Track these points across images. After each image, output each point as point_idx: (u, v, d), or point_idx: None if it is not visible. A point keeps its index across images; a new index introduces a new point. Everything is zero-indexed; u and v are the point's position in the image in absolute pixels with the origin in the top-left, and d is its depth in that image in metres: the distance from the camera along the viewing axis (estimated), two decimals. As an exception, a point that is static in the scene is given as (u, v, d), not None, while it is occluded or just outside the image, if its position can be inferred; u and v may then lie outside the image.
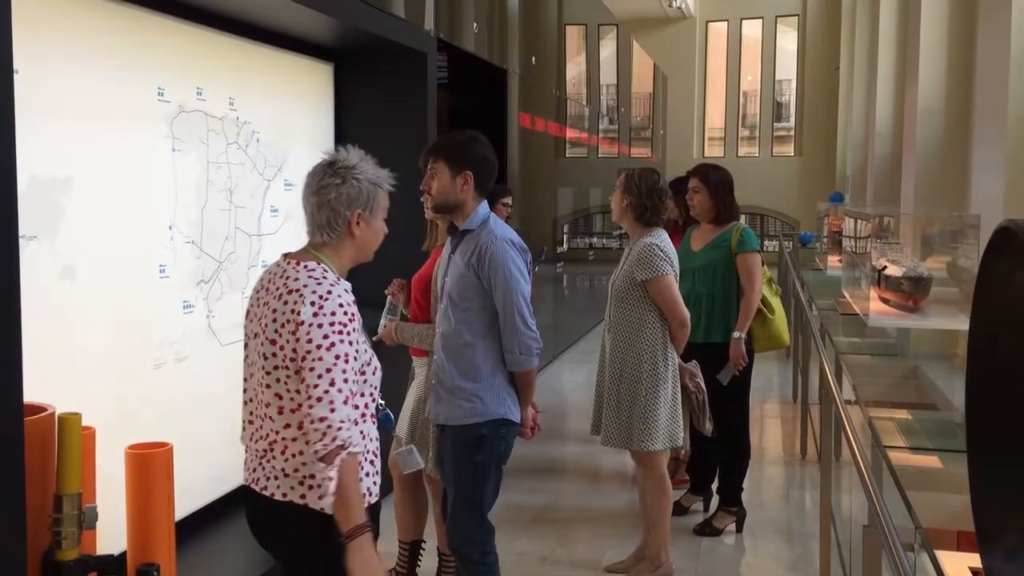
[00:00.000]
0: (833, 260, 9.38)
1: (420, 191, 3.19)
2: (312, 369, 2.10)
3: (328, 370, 2.10)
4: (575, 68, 10.92)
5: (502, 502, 4.75)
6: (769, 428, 6.89)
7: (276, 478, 2.20)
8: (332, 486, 2.08)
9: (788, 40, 19.78)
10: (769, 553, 4.47)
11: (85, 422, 2.76)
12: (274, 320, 2.17)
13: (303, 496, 2.18)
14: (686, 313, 3.91)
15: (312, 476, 2.16)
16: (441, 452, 3.25)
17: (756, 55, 19.94)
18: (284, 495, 2.19)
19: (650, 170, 4.05)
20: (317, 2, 4.14)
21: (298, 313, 2.13)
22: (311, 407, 2.10)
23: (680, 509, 4.74)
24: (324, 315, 2.12)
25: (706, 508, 4.84)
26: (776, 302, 4.66)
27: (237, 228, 4.40)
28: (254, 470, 2.27)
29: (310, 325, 2.11)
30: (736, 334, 4.42)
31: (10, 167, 2.47)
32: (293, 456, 2.18)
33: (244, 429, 2.34)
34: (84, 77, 3.45)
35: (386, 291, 3.86)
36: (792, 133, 20.03)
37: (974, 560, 2.40)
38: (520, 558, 4.30)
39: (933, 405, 4.84)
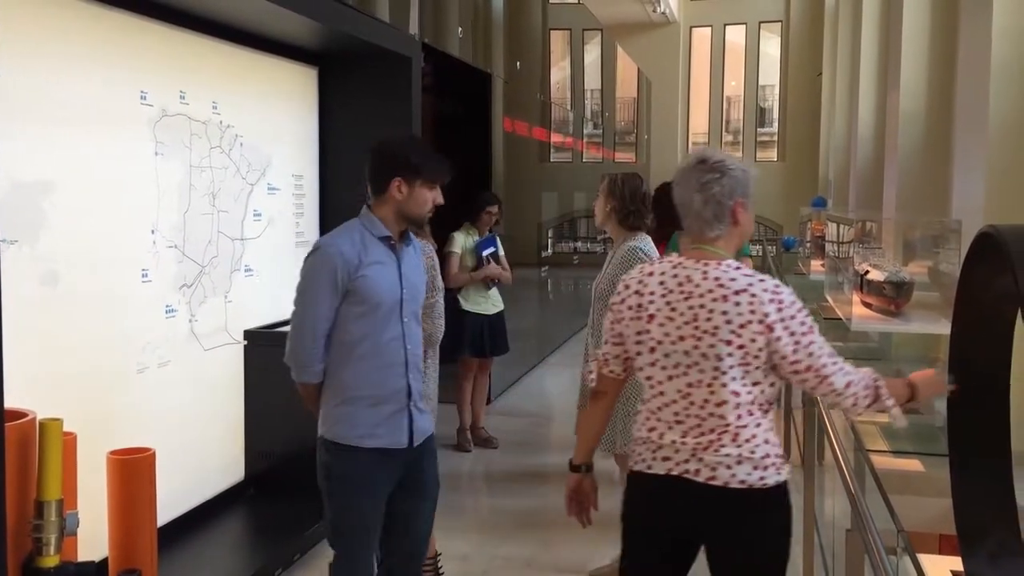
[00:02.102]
0: (816, 264, 9.41)
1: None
2: (811, 354, 2.26)
3: (822, 347, 2.28)
4: (559, 73, 10.95)
5: (487, 507, 4.70)
6: (753, 432, 6.89)
7: (730, 467, 2.28)
8: (896, 409, 2.34)
9: (771, 46, 19.88)
10: (753, 557, 4.47)
11: (66, 427, 2.74)
12: (727, 322, 2.26)
13: (762, 478, 2.28)
14: (670, 317, 3.91)
15: (767, 455, 2.29)
16: (423, 470, 2.99)
17: (740, 60, 20.03)
18: (742, 482, 2.28)
19: (633, 175, 4.07)
20: (301, 6, 4.13)
21: (764, 314, 2.24)
22: (831, 384, 2.28)
23: (664, 513, 4.73)
24: (788, 307, 2.26)
25: (690, 512, 4.84)
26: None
27: (220, 232, 4.38)
28: (686, 460, 2.33)
29: (782, 320, 2.25)
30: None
31: (-9, 171, 2.46)
32: (747, 441, 2.29)
33: (671, 427, 2.37)
34: (66, 80, 3.43)
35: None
36: (775, 138, 20.12)
37: (956, 563, 2.41)
38: (505, 563, 4.29)
39: (915, 409, 4.86)
